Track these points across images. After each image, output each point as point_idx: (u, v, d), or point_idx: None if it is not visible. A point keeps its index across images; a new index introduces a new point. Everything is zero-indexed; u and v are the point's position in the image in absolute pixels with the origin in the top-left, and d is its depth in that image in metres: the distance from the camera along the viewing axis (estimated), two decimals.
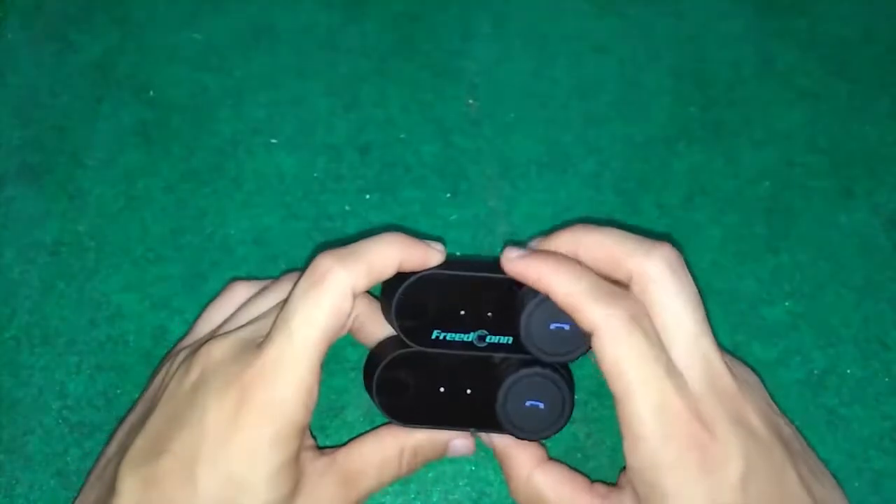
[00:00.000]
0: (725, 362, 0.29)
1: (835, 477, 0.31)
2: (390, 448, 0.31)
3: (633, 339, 0.28)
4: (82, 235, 0.40)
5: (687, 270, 0.30)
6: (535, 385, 0.31)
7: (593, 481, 0.32)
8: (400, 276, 0.31)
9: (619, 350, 0.28)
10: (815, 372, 0.38)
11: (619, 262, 0.30)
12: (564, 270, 0.29)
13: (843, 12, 0.48)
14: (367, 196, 0.41)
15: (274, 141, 0.43)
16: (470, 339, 0.31)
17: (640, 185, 0.42)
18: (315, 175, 0.42)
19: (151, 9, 0.46)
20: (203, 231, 0.40)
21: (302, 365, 0.28)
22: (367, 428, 0.36)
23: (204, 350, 0.30)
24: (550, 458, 0.32)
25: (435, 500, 0.35)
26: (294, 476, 0.29)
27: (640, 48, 0.46)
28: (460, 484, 0.35)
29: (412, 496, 0.35)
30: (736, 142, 0.43)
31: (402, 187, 0.41)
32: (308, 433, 0.31)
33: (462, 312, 0.31)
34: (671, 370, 0.28)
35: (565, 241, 0.31)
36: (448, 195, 0.41)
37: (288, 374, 0.28)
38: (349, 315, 0.30)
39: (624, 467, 0.30)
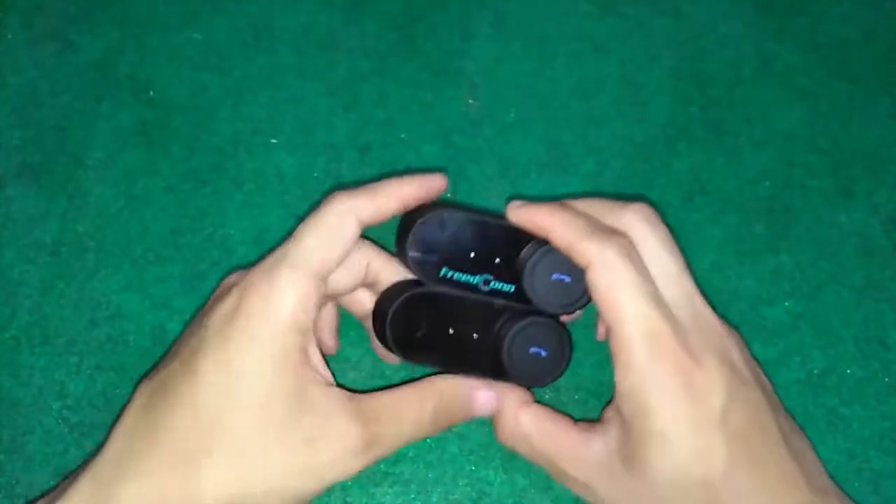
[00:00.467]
0: (709, 304, 0.31)
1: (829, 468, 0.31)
2: (411, 396, 0.31)
3: (625, 271, 0.29)
4: (82, 235, 0.40)
5: (662, 222, 0.32)
6: (540, 332, 0.32)
7: (576, 420, 0.33)
8: (419, 211, 0.32)
9: (611, 281, 0.29)
10: (815, 372, 0.38)
11: (599, 219, 0.32)
12: (562, 213, 0.31)
13: (843, 12, 0.48)
14: None
15: (274, 141, 0.43)
16: (475, 282, 0.32)
17: (640, 185, 0.42)
18: (315, 175, 0.42)
19: (151, 9, 0.46)
20: (203, 231, 0.40)
21: (301, 267, 0.29)
22: None
23: (223, 281, 0.33)
24: (535, 401, 0.33)
25: (435, 500, 0.35)
26: (294, 380, 0.29)
27: (640, 48, 0.46)
28: (460, 484, 0.35)
29: (412, 496, 0.35)
30: (736, 142, 0.43)
31: None
32: (322, 363, 0.31)
33: (472, 255, 0.32)
34: (660, 302, 0.30)
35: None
36: (448, 195, 0.41)
37: (285, 272, 0.29)
38: (352, 238, 0.31)
39: (607, 402, 0.31)
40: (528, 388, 0.34)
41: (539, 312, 0.32)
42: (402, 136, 0.43)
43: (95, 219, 0.40)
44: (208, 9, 0.46)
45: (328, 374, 0.31)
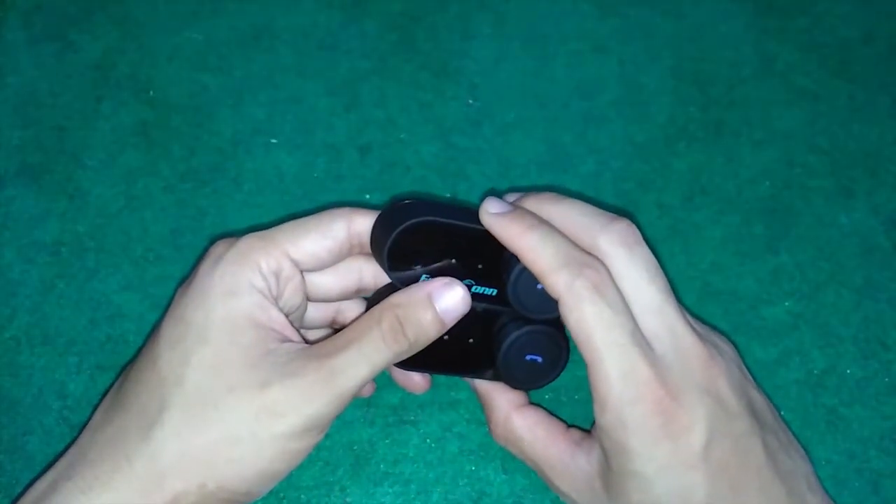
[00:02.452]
0: (695, 331, 0.30)
1: (808, 453, 0.31)
2: (366, 316, 0.29)
3: (597, 307, 0.28)
4: (82, 235, 0.40)
5: (644, 244, 0.30)
6: (538, 341, 0.32)
7: (570, 426, 0.33)
8: (395, 218, 0.30)
9: (583, 318, 0.28)
10: (815, 372, 0.38)
11: (577, 237, 0.30)
12: (534, 235, 0.30)
13: (843, 12, 0.48)
14: (367, 196, 0.41)
15: (274, 141, 0.43)
16: None
17: (640, 185, 0.42)
18: (315, 175, 0.42)
19: (151, 9, 0.46)
20: (203, 231, 0.40)
21: (266, 238, 0.30)
22: (367, 429, 0.36)
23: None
24: (530, 403, 0.33)
25: (435, 500, 0.35)
26: (248, 336, 0.28)
27: (640, 48, 0.46)
28: (460, 484, 0.35)
29: (412, 496, 0.35)
30: (736, 142, 0.43)
31: (402, 187, 0.41)
32: (289, 328, 0.30)
33: (454, 262, 0.31)
34: (637, 337, 0.28)
35: (534, 208, 0.31)
36: (448, 195, 0.41)
37: (247, 240, 0.30)
38: (335, 235, 0.31)
39: (586, 421, 0.31)
40: (522, 389, 0.34)
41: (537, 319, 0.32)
42: (402, 136, 0.43)
43: (95, 219, 0.40)
44: (208, 9, 0.46)
45: (294, 335, 0.30)
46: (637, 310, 0.29)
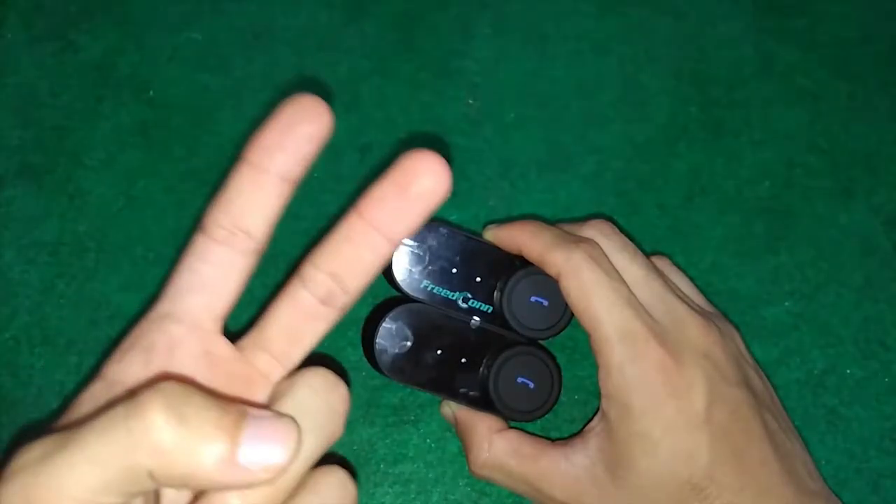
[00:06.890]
0: (686, 303, 0.31)
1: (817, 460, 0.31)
2: None
3: (593, 274, 0.30)
4: (82, 235, 0.40)
5: (619, 233, 0.33)
6: (529, 363, 0.33)
7: (553, 440, 0.33)
8: None
9: (581, 285, 0.30)
10: (815, 372, 0.38)
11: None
12: (532, 227, 0.33)
13: (843, 12, 0.48)
14: None
15: None
16: (454, 298, 0.33)
17: (640, 185, 0.42)
18: (315, 175, 0.42)
19: (151, 9, 0.46)
20: None
21: None
22: (367, 428, 0.36)
23: None
24: (510, 427, 0.33)
25: (435, 500, 0.35)
26: None
27: (640, 48, 0.46)
28: (460, 484, 0.35)
29: (412, 496, 0.35)
30: (736, 142, 0.43)
31: None
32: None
33: (455, 271, 0.33)
34: (632, 301, 0.30)
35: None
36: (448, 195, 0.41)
37: None
38: None
39: (587, 420, 0.32)
40: (515, 421, 0.33)
41: (526, 342, 0.33)
42: (402, 136, 0.43)
43: (95, 219, 0.40)
44: (208, 9, 0.46)
45: None
46: (627, 281, 0.31)
